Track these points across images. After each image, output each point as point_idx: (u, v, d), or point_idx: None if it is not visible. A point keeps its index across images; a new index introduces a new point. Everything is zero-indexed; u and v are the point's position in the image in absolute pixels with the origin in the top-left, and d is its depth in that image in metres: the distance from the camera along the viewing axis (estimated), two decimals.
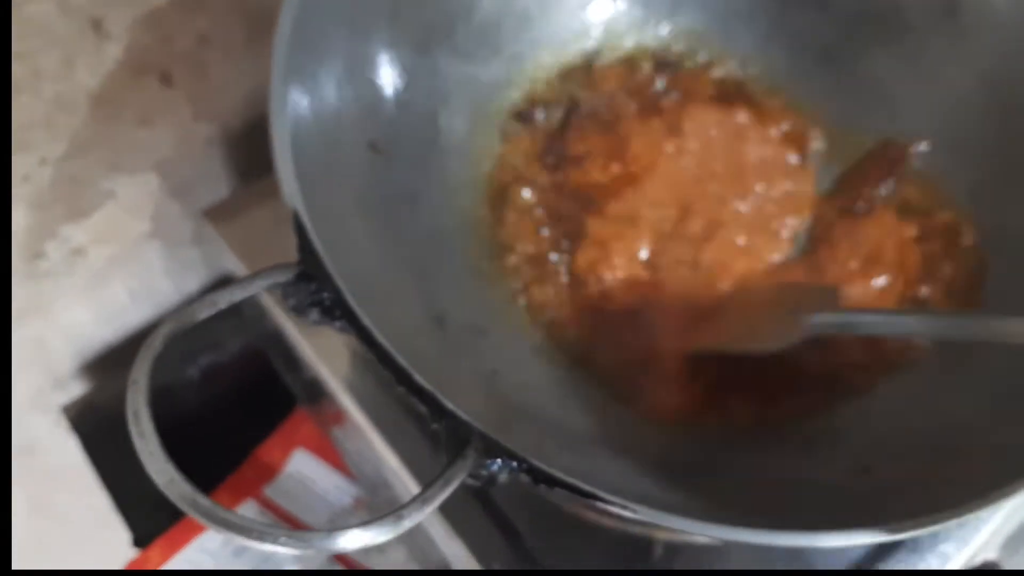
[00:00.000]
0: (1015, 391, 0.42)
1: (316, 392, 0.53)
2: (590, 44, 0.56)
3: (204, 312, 0.31)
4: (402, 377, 0.33)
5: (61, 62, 0.49)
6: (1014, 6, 0.50)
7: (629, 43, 0.57)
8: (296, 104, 0.40)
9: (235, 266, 0.58)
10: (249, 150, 0.63)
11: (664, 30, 0.57)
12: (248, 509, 0.69)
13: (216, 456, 0.73)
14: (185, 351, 0.72)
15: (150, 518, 0.64)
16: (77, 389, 0.67)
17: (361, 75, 0.46)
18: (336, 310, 0.34)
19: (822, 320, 0.45)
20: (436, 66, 0.50)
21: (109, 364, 0.69)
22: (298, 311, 0.33)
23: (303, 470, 0.72)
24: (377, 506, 0.63)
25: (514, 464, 0.31)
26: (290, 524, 0.66)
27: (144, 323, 0.70)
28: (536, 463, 0.32)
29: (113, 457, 0.64)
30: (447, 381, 0.37)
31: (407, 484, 0.44)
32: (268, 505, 0.69)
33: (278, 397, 0.70)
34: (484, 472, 0.31)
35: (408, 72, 0.49)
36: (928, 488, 0.37)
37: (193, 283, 0.71)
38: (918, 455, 0.40)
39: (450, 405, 0.32)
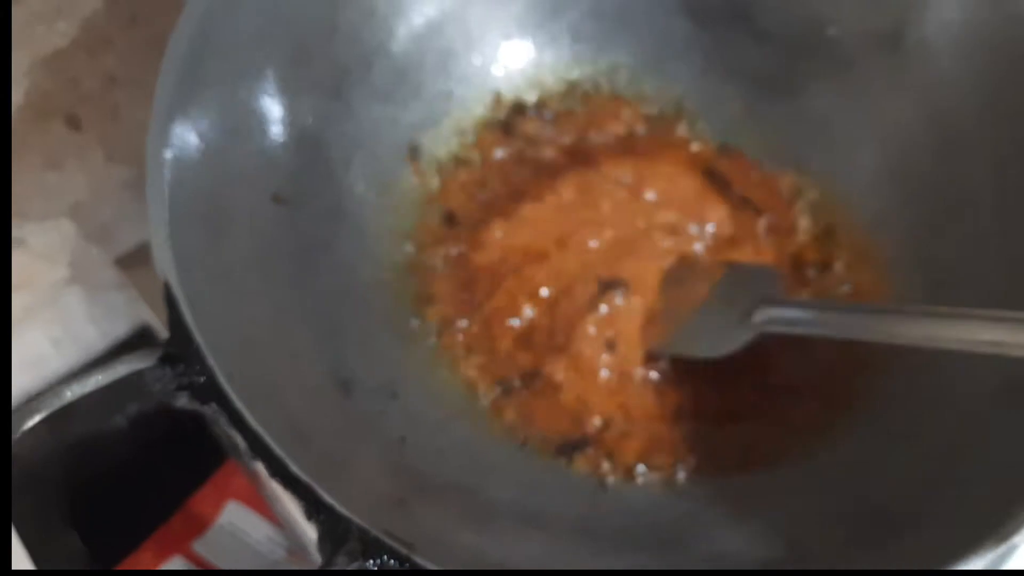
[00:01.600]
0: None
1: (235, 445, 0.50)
2: (515, 85, 0.53)
3: (45, 408, 0.29)
4: (276, 467, 0.30)
5: None
6: (955, 40, 0.47)
7: (556, 82, 0.54)
8: (180, 158, 0.37)
9: (151, 317, 0.55)
10: None
11: (595, 68, 0.54)
12: (175, 565, 0.66)
13: (145, 508, 0.70)
14: (112, 400, 0.69)
15: None
16: None
17: (262, 121, 0.43)
18: (209, 392, 0.31)
19: (768, 317, 0.44)
20: (351, 109, 0.48)
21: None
22: (165, 396, 0.31)
23: (236, 522, 0.69)
24: (310, 559, 0.60)
25: (398, 564, 0.28)
26: None
27: (68, 369, 0.68)
28: (422, 562, 0.29)
29: (27, 516, 0.61)
30: (339, 462, 0.35)
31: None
32: (197, 560, 0.67)
33: (210, 446, 0.68)
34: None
35: (319, 116, 0.46)
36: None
37: (121, 328, 0.68)
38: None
39: (327, 498, 0.29)
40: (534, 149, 0.53)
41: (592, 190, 0.52)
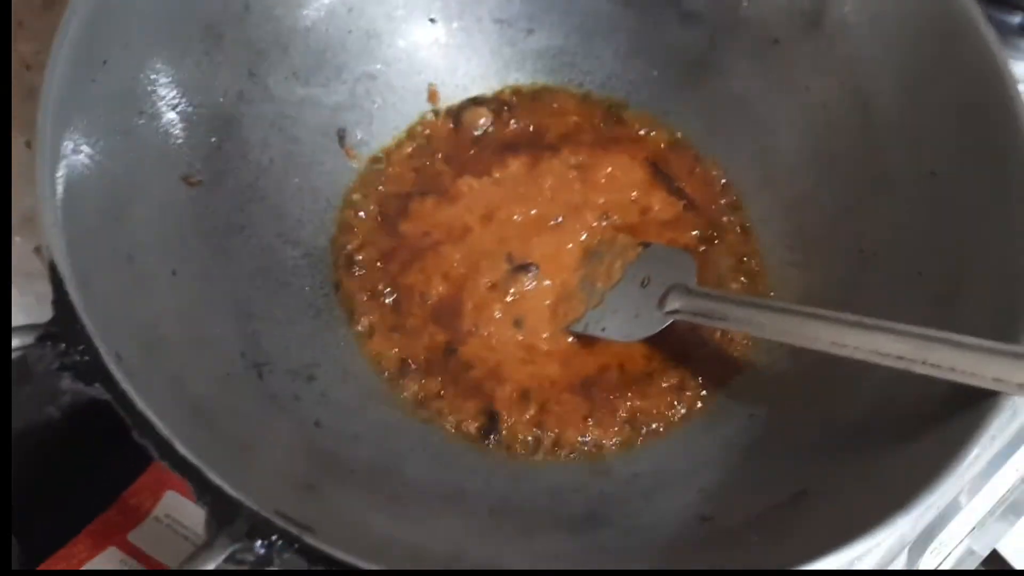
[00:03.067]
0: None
1: None
2: (437, 71, 0.53)
3: None
4: (162, 449, 0.29)
5: None
6: (873, 17, 0.47)
7: (482, 74, 0.54)
8: (76, 137, 0.36)
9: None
10: None
11: (523, 53, 0.53)
12: (110, 557, 0.65)
13: (80, 500, 0.69)
14: (44, 390, 0.68)
15: None
16: None
17: (168, 101, 0.42)
18: (94, 372, 0.30)
19: (681, 307, 0.45)
20: (267, 90, 0.47)
21: None
22: (47, 377, 0.30)
23: (172, 512, 0.68)
24: None
25: (283, 544, 0.28)
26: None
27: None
28: (315, 544, 0.28)
29: None
30: (243, 446, 0.34)
31: None
32: (132, 552, 0.65)
33: None
34: (250, 557, 0.28)
35: (232, 97, 0.46)
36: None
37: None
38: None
39: (214, 478, 0.28)
40: (488, 134, 0.53)
41: (541, 168, 0.52)
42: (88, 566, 0.62)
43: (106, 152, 0.38)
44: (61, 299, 0.31)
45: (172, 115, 0.42)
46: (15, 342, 0.29)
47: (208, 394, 0.36)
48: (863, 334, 0.38)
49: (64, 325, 0.31)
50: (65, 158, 0.35)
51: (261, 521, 0.29)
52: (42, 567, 0.61)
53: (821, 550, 0.31)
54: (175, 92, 0.42)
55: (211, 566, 0.27)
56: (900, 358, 0.37)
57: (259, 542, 0.28)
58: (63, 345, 0.30)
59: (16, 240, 0.60)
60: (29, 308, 0.65)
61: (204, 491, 0.29)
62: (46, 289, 0.62)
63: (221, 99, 0.45)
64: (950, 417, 0.36)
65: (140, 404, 0.30)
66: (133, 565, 0.62)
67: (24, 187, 0.56)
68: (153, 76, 0.41)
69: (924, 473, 0.33)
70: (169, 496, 0.66)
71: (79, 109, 0.37)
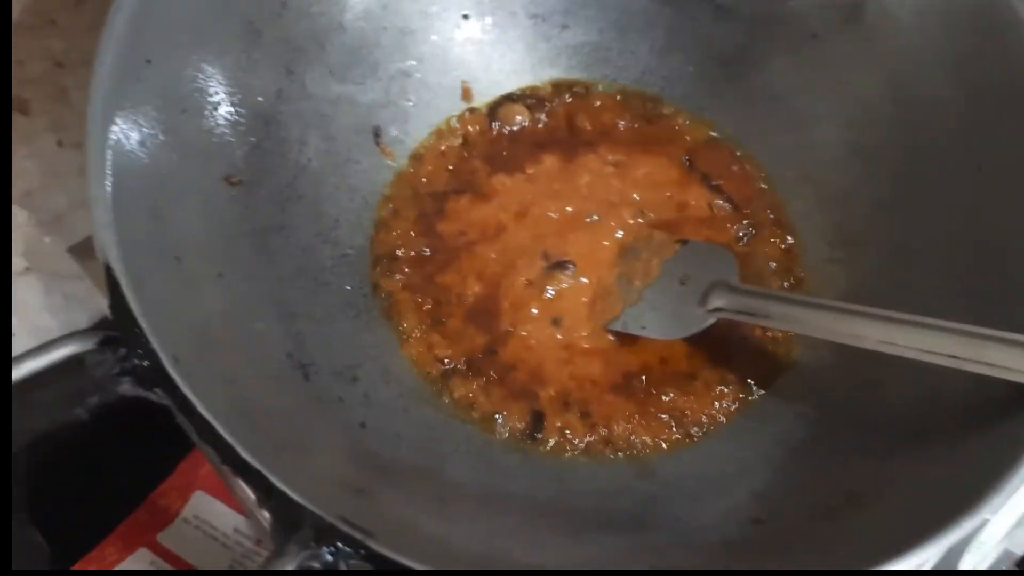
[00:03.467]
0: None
1: None
2: (471, 67, 0.52)
3: None
4: (226, 453, 0.29)
5: None
6: (916, 10, 0.47)
7: (516, 70, 0.53)
8: (124, 139, 0.36)
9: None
10: None
11: (559, 48, 0.53)
12: (140, 558, 0.65)
13: (109, 502, 0.68)
14: (71, 392, 0.68)
15: None
16: None
17: (210, 101, 0.42)
18: (153, 377, 0.30)
19: (725, 304, 0.44)
20: (304, 88, 0.47)
21: None
22: (107, 381, 0.30)
23: (201, 513, 0.68)
24: None
25: (353, 552, 0.27)
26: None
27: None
28: (379, 549, 0.28)
29: None
30: (297, 449, 0.34)
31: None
32: (162, 553, 0.65)
33: (175, 437, 0.66)
34: (317, 564, 0.27)
35: (271, 95, 0.45)
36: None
37: (81, 317, 0.66)
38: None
39: (279, 484, 0.28)
40: (524, 130, 0.52)
41: (577, 164, 0.52)
42: (119, 567, 0.62)
43: (152, 152, 0.38)
44: (118, 302, 0.31)
45: (214, 114, 0.42)
46: (76, 347, 0.29)
47: (260, 397, 0.36)
48: (913, 332, 0.38)
49: (121, 329, 0.31)
50: (111, 159, 0.35)
51: (326, 527, 0.29)
52: (74, 568, 0.61)
53: (877, 556, 0.31)
54: (217, 91, 0.42)
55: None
56: (953, 356, 0.36)
57: (326, 548, 0.28)
58: (123, 350, 0.29)
59: (45, 240, 0.60)
60: (56, 309, 0.64)
61: (268, 496, 0.29)
62: (74, 289, 0.62)
63: (260, 98, 0.44)
64: (1008, 416, 0.35)
65: (202, 409, 0.30)
66: (163, 566, 0.62)
67: (56, 186, 0.56)
68: (195, 74, 0.41)
69: (983, 476, 0.33)
70: (198, 497, 0.66)
71: (126, 108, 0.36)
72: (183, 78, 0.40)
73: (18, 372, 0.28)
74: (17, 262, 0.59)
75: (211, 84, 0.42)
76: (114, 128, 0.35)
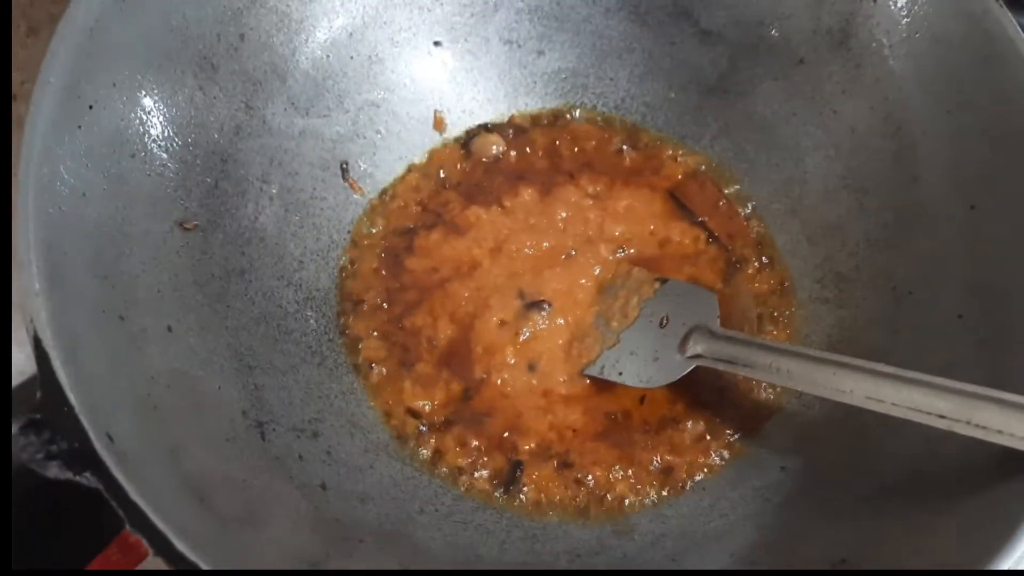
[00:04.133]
0: None
1: None
2: (443, 96, 0.50)
3: None
4: (159, 544, 0.26)
5: None
6: (905, 35, 0.45)
7: (490, 99, 0.51)
8: (61, 191, 0.34)
9: None
10: None
11: (535, 75, 0.51)
12: None
13: (78, 539, 0.66)
14: (43, 423, 0.65)
15: None
16: None
17: (160, 140, 0.39)
18: (83, 460, 0.27)
19: (704, 351, 0.42)
20: (265, 123, 0.44)
21: None
22: (34, 465, 0.27)
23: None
24: None
25: None
26: None
27: None
28: None
29: None
30: (250, 522, 0.32)
31: None
32: None
33: None
34: None
35: (228, 132, 0.43)
36: None
37: None
38: None
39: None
40: (501, 161, 0.50)
41: (555, 196, 0.49)
42: None
43: (95, 203, 0.35)
44: (47, 378, 0.28)
45: (165, 156, 0.40)
46: None
47: (207, 465, 0.34)
48: (901, 388, 0.36)
49: (50, 407, 0.28)
50: (49, 214, 0.33)
51: None
52: None
53: None
54: (168, 131, 0.40)
55: None
56: (942, 417, 0.34)
57: None
58: (48, 433, 0.27)
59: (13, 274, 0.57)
60: (23, 342, 0.62)
61: None
62: None
63: (217, 135, 0.42)
64: (1005, 479, 0.33)
65: (133, 494, 0.27)
66: None
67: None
68: (144, 116, 0.39)
69: (979, 546, 0.31)
70: None
71: (64, 159, 0.34)
72: (131, 121, 0.38)
73: None
74: None
75: (162, 124, 0.40)
76: (53, 182, 0.33)
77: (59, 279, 0.32)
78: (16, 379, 0.65)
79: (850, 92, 0.47)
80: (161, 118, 0.40)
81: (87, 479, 0.28)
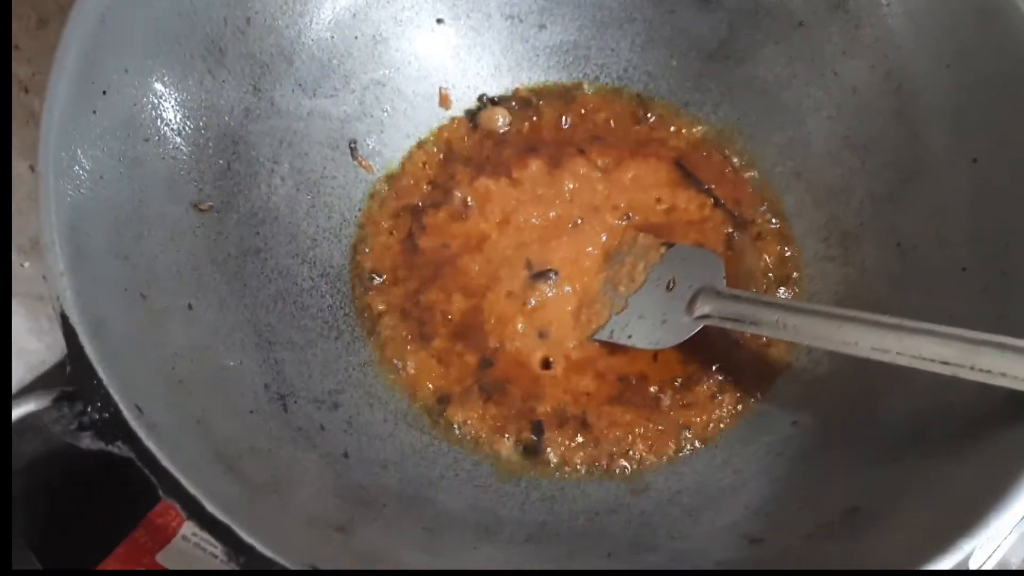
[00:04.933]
0: None
1: None
2: (447, 73, 0.50)
3: None
4: (192, 508, 0.28)
5: None
6: None
7: (493, 74, 0.51)
8: (80, 174, 0.34)
9: None
10: None
11: (537, 48, 0.51)
12: None
13: (105, 523, 0.68)
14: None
15: None
16: None
17: (173, 124, 0.40)
18: (114, 431, 0.28)
19: (712, 311, 0.43)
20: (273, 104, 0.45)
21: None
22: (67, 437, 0.28)
23: (199, 531, 0.67)
24: None
25: None
26: None
27: (17, 386, 0.65)
28: None
29: None
30: (275, 490, 0.33)
31: None
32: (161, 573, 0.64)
33: None
34: None
35: (238, 114, 0.44)
36: None
37: None
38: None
39: (247, 538, 0.27)
40: (508, 135, 0.51)
41: (564, 169, 0.50)
42: None
43: (112, 186, 0.36)
44: (75, 354, 0.29)
45: (178, 139, 0.40)
46: (32, 406, 0.28)
47: (233, 435, 0.35)
48: (905, 338, 0.36)
49: (80, 380, 0.29)
50: (70, 197, 0.34)
51: None
52: None
53: None
54: (180, 114, 0.41)
55: None
56: (946, 363, 0.35)
57: None
58: (80, 404, 0.28)
59: (24, 265, 0.58)
60: (42, 332, 0.63)
61: (238, 552, 0.27)
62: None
63: (227, 118, 0.43)
64: (1012, 423, 0.34)
65: (165, 461, 0.28)
66: None
67: (30, 210, 0.54)
68: (156, 100, 0.40)
69: (990, 489, 0.31)
70: None
71: (81, 143, 0.35)
72: (143, 105, 0.39)
73: None
74: None
75: (174, 109, 0.40)
76: (72, 166, 0.34)
77: (82, 260, 0.33)
78: (37, 369, 0.66)
79: (850, 52, 0.48)
80: (173, 102, 0.41)
81: (119, 448, 0.29)
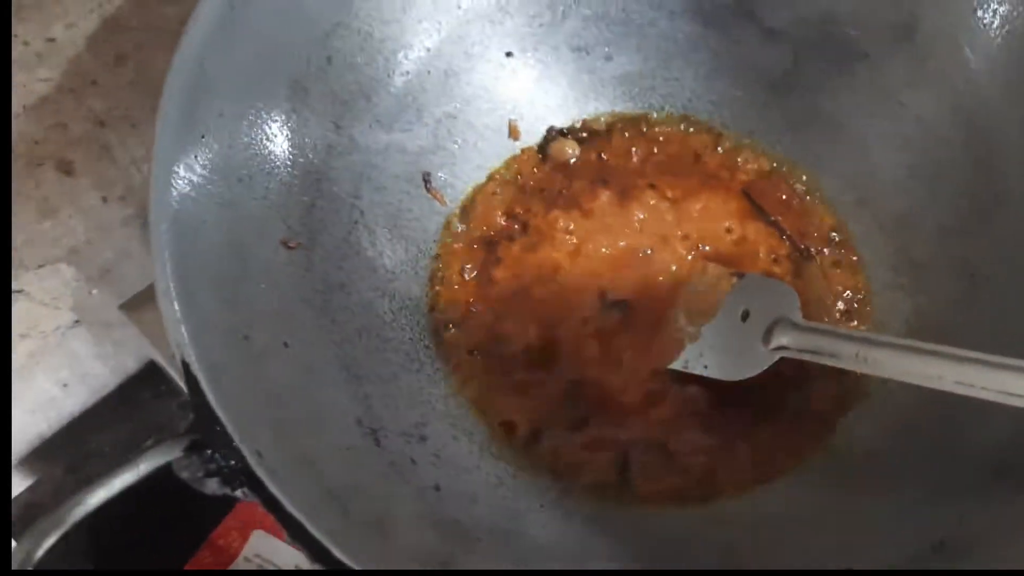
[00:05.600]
0: None
1: None
2: (516, 104, 0.51)
3: (71, 519, 0.27)
4: (318, 553, 0.28)
5: None
6: (972, 28, 0.46)
7: (560, 105, 0.52)
8: (184, 220, 0.35)
9: (158, 358, 0.53)
10: None
11: (603, 80, 0.52)
12: None
13: (170, 545, 0.69)
14: (126, 436, 0.68)
15: None
16: (15, 487, 0.63)
17: (265, 163, 0.41)
18: (239, 477, 0.29)
19: (790, 343, 0.43)
20: (353, 140, 0.46)
21: (47, 456, 0.65)
22: (193, 484, 0.29)
23: (262, 552, 0.68)
24: None
25: None
26: None
27: (81, 409, 0.67)
28: None
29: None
30: (380, 525, 0.33)
31: None
32: None
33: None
34: None
35: (321, 151, 0.45)
36: None
37: (131, 363, 0.67)
38: None
39: None
40: (576, 165, 0.52)
41: (633, 199, 0.51)
42: None
43: (213, 229, 0.37)
44: (198, 401, 0.30)
45: (267, 178, 0.41)
46: (164, 456, 0.29)
47: (338, 474, 0.36)
48: (991, 373, 0.37)
49: (203, 428, 0.30)
50: (177, 244, 0.34)
51: None
52: None
53: None
54: (268, 153, 0.42)
55: None
56: None
57: None
58: (208, 452, 0.29)
59: (93, 292, 0.60)
60: (106, 356, 0.65)
61: None
62: (122, 336, 0.62)
63: (311, 155, 0.44)
64: None
65: (290, 507, 0.29)
66: None
67: (102, 241, 0.56)
68: (247, 141, 0.41)
69: None
70: (257, 535, 0.67)
71: (185, 188, 0.36)
72: (236, 147, 0.40)
73: (109, 490, 0.28)
74: (66, 316, 0.59)
75: (263, 148, 0.41)
76: (177, 213, 0.35)
77: (193, 306, 0.34)
78: (100, 393, 0.67)
79: (915, 84, 0.49)
80: (262, 142, 0.41)
81: (244, 494, 0.30)
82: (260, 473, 0.29)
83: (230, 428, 0.30)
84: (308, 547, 0.29)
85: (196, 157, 0.37)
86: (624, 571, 0.37)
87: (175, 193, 0.35)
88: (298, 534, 0.29)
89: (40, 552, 0.27)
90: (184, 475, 0.29)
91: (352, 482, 0.36)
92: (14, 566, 0.26)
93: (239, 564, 0.68)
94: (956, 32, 0.46)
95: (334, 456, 0.37)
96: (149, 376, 0.67)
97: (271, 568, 0.68)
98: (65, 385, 0.63)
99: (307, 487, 0.32)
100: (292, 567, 0.66)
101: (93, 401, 0.68)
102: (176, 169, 0.35)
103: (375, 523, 0.34)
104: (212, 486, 0.30)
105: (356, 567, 0.28)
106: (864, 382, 0.45)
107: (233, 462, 0.30)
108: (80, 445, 0.67)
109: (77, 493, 0.28)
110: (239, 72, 0.40)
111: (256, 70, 0.41)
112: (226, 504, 0.68)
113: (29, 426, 0.63)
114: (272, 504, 0.29)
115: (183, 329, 0.32)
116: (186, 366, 0.31)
